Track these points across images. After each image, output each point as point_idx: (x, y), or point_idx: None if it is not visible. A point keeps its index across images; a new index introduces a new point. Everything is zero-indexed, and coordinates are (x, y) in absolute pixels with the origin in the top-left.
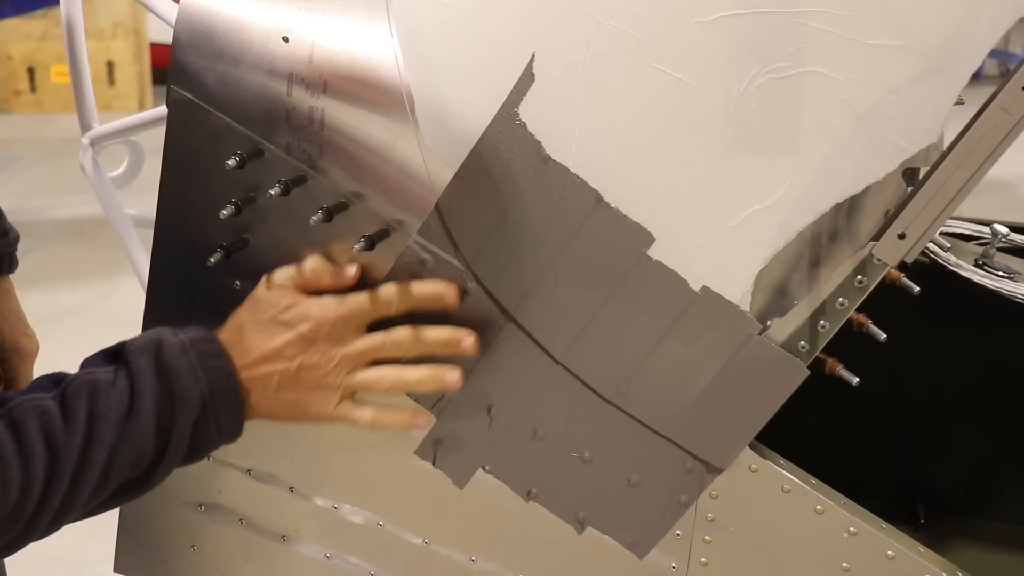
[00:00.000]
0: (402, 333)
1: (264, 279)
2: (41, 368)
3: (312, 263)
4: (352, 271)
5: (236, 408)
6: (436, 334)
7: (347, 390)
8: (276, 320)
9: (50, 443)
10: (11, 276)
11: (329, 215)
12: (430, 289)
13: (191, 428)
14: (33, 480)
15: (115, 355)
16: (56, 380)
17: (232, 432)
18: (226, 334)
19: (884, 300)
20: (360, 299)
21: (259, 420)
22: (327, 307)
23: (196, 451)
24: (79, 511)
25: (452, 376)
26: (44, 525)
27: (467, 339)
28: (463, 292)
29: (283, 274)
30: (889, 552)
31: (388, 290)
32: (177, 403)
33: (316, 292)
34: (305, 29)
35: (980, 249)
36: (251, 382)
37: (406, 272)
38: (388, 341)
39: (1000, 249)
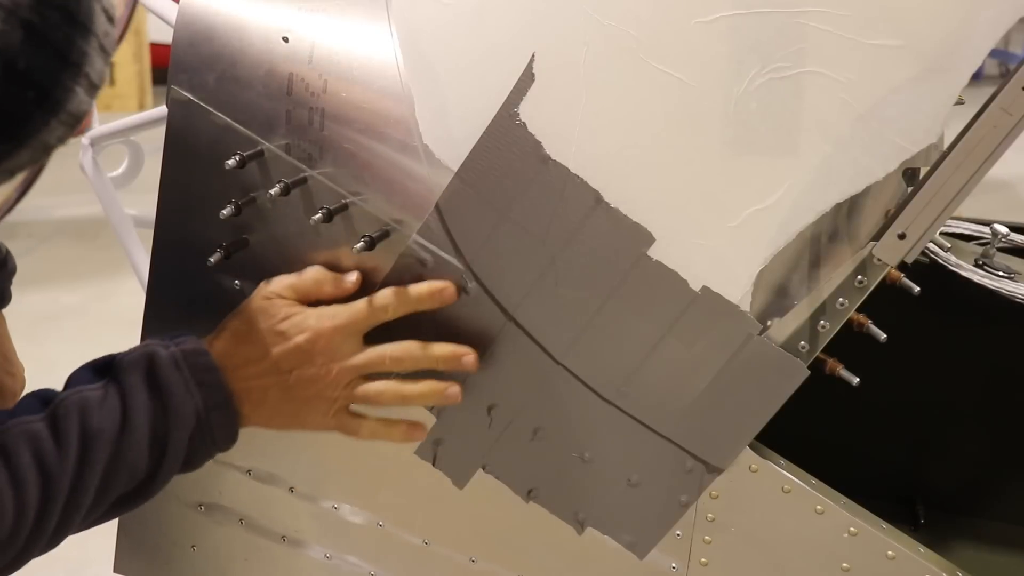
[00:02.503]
0: (402, 348)
1: (261, 287)
2: (41, 368)
3: (312, 272)
4: (352, 279)
5: (231, 420)
6: (437, 350)
7: (344, 402)
8: (273, 330)
9: (42, 468)
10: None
11: (329, 215)
12: (427, 288)
13: (186, 442)
14: (27, 507)
15: (104, 369)
16: (44, 399)
17: (227, 442)
18: (220, 343)
19: (884, 300)
20: (357, 308)
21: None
22: (325, 318)
23: (192, 462)
24: (76, 527)
25: (452, 391)
26: (41, 546)
27: (468, 356)
28: (462, 291)
29: (281, 283)
30: (889, 552)
31: (385, 295)
32: (171, 419)
33: (314, 302)
34: (305, 29)
35: (980, 249)
36: (246, 393)
37: (406, 272)
38: (388, 356)
39: (1000, 249)
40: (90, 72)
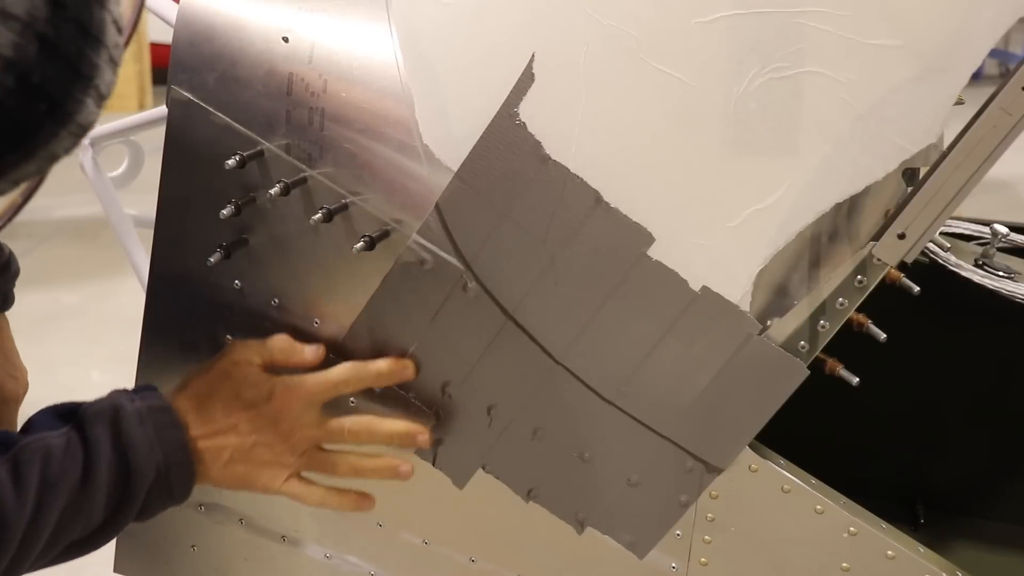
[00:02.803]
0: (361, 422)
1: (227, 351)
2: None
3: (278, 341)
4: (313, 352)
5: (188, 477)
6: (392, 427)
7: (298, 469)
8: (236, 395)
9: None
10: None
11: (329, 215)
12: (385, 366)
13: (144, 495)
14: None
15: (68, 415)
16: (3, 443)
17: (183, 496)
18: (183, 401)
19: (884, 300)
20: (319, 379)
21: None
22: (289, 387)
23: (145, 513)
24: (23, 572)
25: (404, 469)
26: None
27: (422, 435)
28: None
29: (250, 349)
30: (889, 552)
31: (346, 369)
32: (132, 473)
33: (279, 369)
34: (305, 29)
35: (980, 249)
36: (204, 452)
37: (406, 272)
38: (346, 429)
39: (1000, 249)
40: (100, 84)
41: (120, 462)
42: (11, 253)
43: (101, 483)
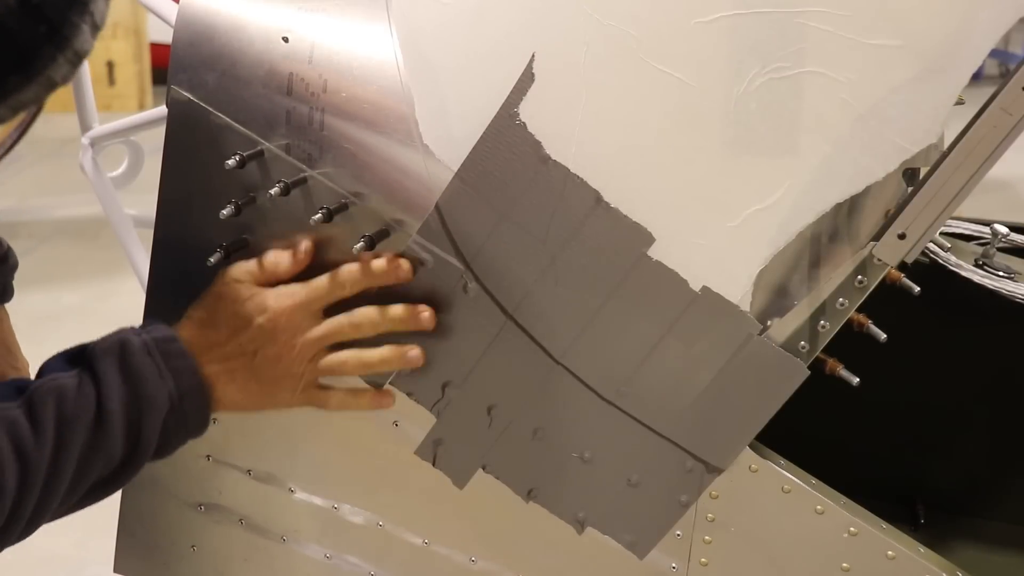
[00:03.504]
0: (360, 313)
1: (221, 274)
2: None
3: (268, 255)
4: (304, 248)
5: (203, 404)
6: (393, 311)
7: (311, 376)
8: (235, 313)
9: (20, 454)
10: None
11: (329, 215)
12: (382, 264)
13: (160, 427)
14: (5, 493)
15: (77, 358)
16: (19, 387)
17: (200, 426)
18: (187, 330)
19: (884, 300)
20: (315, 284)
21: (259, 417)
22: (283, 296)
23: (165, 448)
24: (52, 515)
25: (413, 353)
26: (17, 532)
27: (424, 312)
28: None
29: (240, 268)
30: (889, 552)
31: (342, 272)
32: (145, 405)
33: (274, 283)
34: (305, 29)
35: (980, 249)
36: (215, 376)
37: None
38: (347, 323)
39: (1000, 249)
40: (95, 11)
41: (132, 395)
42: (8, 247)
43: (116, 417)
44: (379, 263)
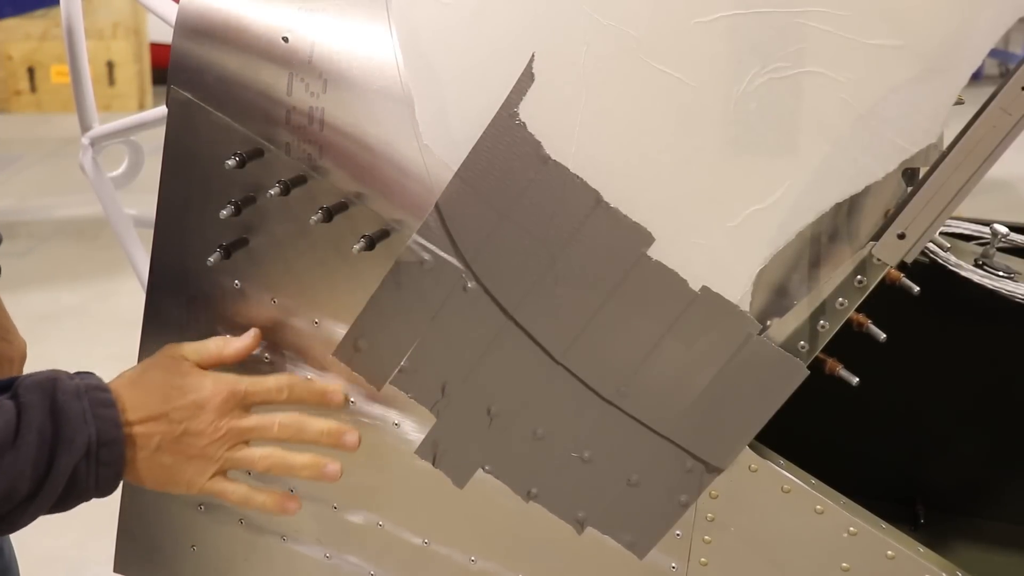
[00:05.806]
0: (291, 418)
1: (166, 348)
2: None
3: (213, 340)
4: (252, 335)
5: (117, 460)
6: (321, 425)
7: (224, 465)
8: (171, 384)
9: None
10: (10, 277)
11: (329, 215)
12: (319, 388)
13: (70, 472)
14: None
15: (5, 387)
16: None
17: (107, 486)
18: (120, 386)
19: (884, 300)
20: (257, 380)
21: None
22: (222, 381)
23: (66, 499)
24: None
25: (332, 468)
26: None
27: (350, 435)
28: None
29: (187, 347)
30: (889, 552)
31: (280, 380)
32: (62, 443)
33: (216, 368)
34: (305, 29)
35: (980, 249)
36: (135, 436)
37: (406, 272)
38: (276, 423)
39: (1000, 249)
40: None
41: (52, 430)
42: None
43: (30, 448)
44: (317, 387)
